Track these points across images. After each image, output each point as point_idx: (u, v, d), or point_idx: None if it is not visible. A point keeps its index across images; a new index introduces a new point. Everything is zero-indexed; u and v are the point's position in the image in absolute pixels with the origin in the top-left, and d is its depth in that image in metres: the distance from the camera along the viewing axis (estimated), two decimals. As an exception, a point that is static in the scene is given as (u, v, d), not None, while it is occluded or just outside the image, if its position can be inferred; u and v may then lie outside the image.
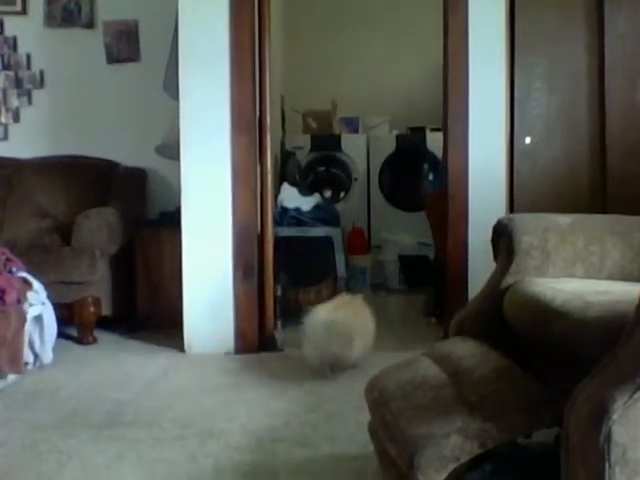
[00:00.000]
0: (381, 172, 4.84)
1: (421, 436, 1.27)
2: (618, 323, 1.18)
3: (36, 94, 3.98)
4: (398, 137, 4.90)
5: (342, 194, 4.90)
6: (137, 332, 3.32)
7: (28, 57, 3.97)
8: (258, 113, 3.03)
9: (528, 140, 3.07)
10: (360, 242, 4.56)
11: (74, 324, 3.16)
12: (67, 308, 3.07)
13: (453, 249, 3.02)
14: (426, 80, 4.86)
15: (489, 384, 1.39)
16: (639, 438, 1.01)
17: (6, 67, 3.97)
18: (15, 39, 3.97)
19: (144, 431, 2.08)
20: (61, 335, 2.90)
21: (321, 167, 4.91)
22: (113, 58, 3.94)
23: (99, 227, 3.23)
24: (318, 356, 2.61)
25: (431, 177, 4.85)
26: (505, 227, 1.78)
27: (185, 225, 3.02)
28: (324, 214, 3.93)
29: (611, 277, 1.72)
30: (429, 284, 3.74)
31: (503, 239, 1.78)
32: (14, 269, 2.64)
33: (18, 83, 3.98)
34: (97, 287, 3.17)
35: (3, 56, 3.97)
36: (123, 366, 2.82)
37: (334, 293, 3.36)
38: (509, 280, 1.71)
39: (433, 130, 4.72)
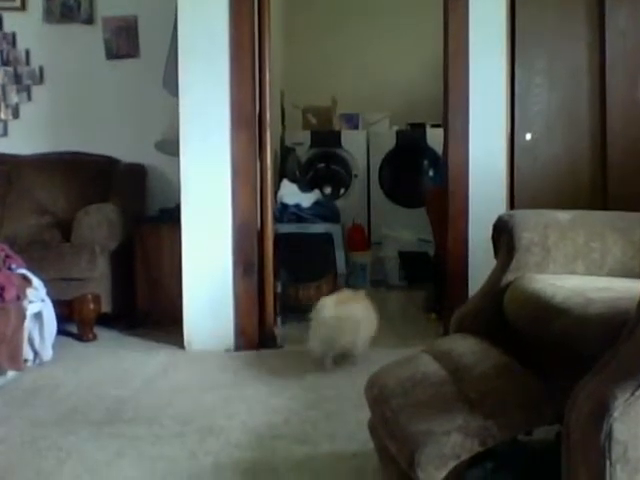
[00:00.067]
0: (381, 168, 4.83)
1: (421, 433, 1.26)
2: (619, 320, 1.17)
3: (35, 90, 3.97)
4: (398, 133, 4.89)
5: (342, 190, 4.89)
6: (137, 329, 3.32)
7: (27, 53, 3.96)
8: (258, 109, 3.02)
9: (528, 136, 3.06)
10: (360, 238, 4.56)
11: (74, 321, 3.16)
12: (67, 305, 3.06)
13: (453, 245, 3.01)
14: (426, 76, 4.85)
15: (489, 381, 1.39)
16: (640, 436, 1.01)
17: (5, 63, 3.96)
18: (14, 35, 3.96)
19: (144, 428, 2.08)
20: (61, 332, 2.89)
21: (321, 163, 4.90)
22: (112, 54, 3.92)
23: (99, 223, 3.22)
24: (324, 347, 2.66)
25: (431, 173, 4.84)
26: (505, 223, 1.77)
27: (185, 222, 3.01)
28: (324, 210, 3.92)
29: (612, 274, 1.72)
30: (429, 280, 3.74)
31: (503, 235, 1.77)
32: (13, 266, 2.64)
33: (17, 79, 3.97)
34: (97, 284, 3.17)
35: (2, 52, 3.96)
36: (123, 363, 2.82)
37: (334, 290, 3.35)
38: (509, 277, 1.71)
39: (433, 126, 4.71)
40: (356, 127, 5.09)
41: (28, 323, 2.55)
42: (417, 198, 4.46)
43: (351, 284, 3.85)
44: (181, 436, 2.02)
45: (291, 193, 3.91)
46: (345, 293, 2.87)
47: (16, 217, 3.57)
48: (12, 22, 3.95)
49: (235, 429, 2.07)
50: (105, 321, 3.30)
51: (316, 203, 3.93)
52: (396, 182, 4.83)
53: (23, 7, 3.94)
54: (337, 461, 1.85)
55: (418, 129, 4.89)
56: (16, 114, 3.98)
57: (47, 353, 2.68)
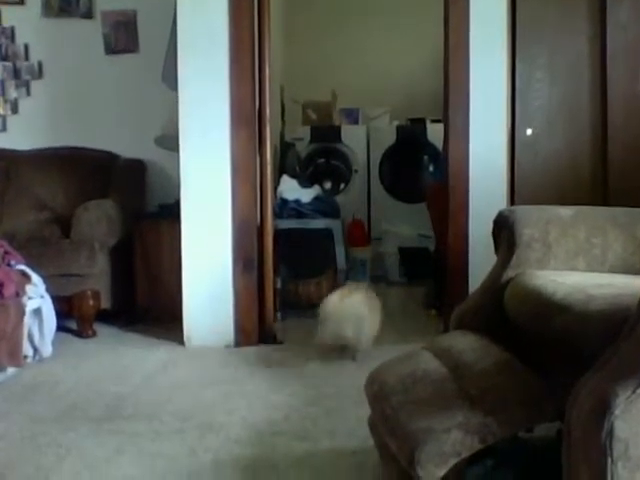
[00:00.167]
0: (381, 163, 4.82)
1: (421, 431, 1.26)
2: (620, 316, 1.17)
3: (34, 85, 3.96)
4: (398, 128, 4.88)
5: (342, 186, 4.88)
6: (136, 325, 3.31)
7: (26, 47, 3.95)
8: (257, 104, 3.01)
9: (529, 131, 3.05)
10: (360, 234, 4.55)
11: (73, 317, 3.16)
12: (66, 301, 3.06)
13: (453, 241, 3.00)
14: (427, 71, 4.84)
15: (490, 378, 1.38)
16: (642, 433, 1.01)
17: (4, 58, 3.95)
18: (13, 29, 3.94)
19: (144, 424, 2.08)
20: (60, 328, 2.89)
21: (321, 159, 4.89)
22: (111, 49, 3.91)
23: (98, 219, 3.21)
24: (332, 340, 2.71)
25: (431, 168, 4.83)
26: (506, 219, 1.77)
27: (184, 217, 3.01)
28: (324, 206, 3.91)
29: (613, 270, 1.71)
30: (429, 276, 3.73)
31: (504, 231, 1.77)
32: (13, 262, 2.63)
33: (16, 74, 3.96)
34: (96, 280, 3.16)
35: (1, 46, 3.95)
36: (122, 359, 2.82)
37: (334, 285, 3.35)
38: (510, 273, 1.70)
39: (434, 121, 4.70)
40: (356, 122, 5.08)
41: (27, 319, 2.55)
42: (417, 193, 4.45)
43: (351, 280, 3.85)
44: (181, 432, 2.02)
45: (291, 188, 3.90)
46: (351, 287, 2.93)
47: (15, 213, 3.57)
48: (11, 16, 3.94)
49: (235, 425, 2.07)
50: (105, 317, 3.30)
51: (316, 198, 3.92)
52: (396, 177, 4.82)
53: (22, 1, 3.92)
54: (337, 458, 1.84)
55: (418, 124, 4.88)
56: (15, 109, 3.97)
57: (47, 349, 2.68)
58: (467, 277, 2.95)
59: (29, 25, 3.93)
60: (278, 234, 3.35)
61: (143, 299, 3.40)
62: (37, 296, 2.62)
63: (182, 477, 1.75)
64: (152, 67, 3.65)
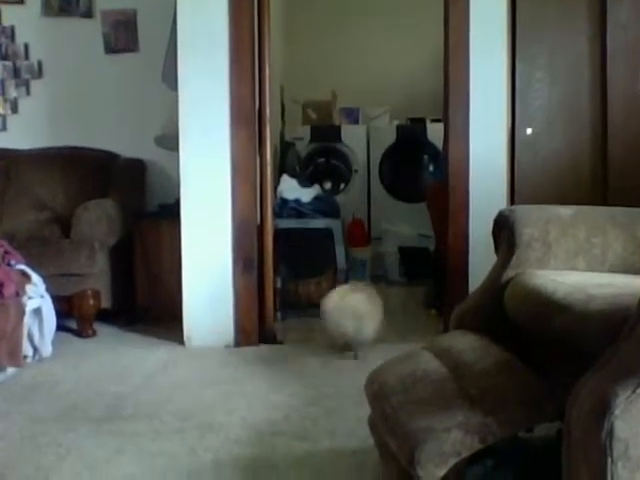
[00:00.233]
0: (381, 163, 4.82)
1: (421, 430, 1.26)
2: (620, 316, 1.16)
3: (34, 84, 3.96)
4: (398, 128, 4.88)
5: (342, 185, 4.88)
6: (136, 325, 3.31)
7: (26, 47, 3.95)
8: (257, 104, 3.01)
9: (529, 131, 3.05)
10: (360, 234, 4.55)
11: (73, 317, 3.16)
12: (66, 301, 3.06)
13: (453, 241, 3.00)
14: (427, 71, 4.84)
15: (490, 378, 1.38)
16: (642, 433, 1.00)
17: (4, 57, 3.95)
18: (13, 29, 3.94)
19: (144, 424, 2.08)
20: (60, 328, 2.89)
21: (321, 158, 4.89)
22: (111, 48, 3.91)
23: (98, 219, 3.21)
24: (333, 337, 2.77)
25: (431, 168, 4.83)
26: (506, 219, 1.77)
27: (184, 217, 3.00)
28: (324, 205, 3.91)
29: (613, 269, 1.71)
30: (429, 276, 3.73)
31: (504, 231, 1.77)
32: (13, 262, 2.63)
33: (16, 73, 3.96)
34: (96, 279, 3.16)
35: (1, 46, 3.95)
36: (123, 359, 2.82)
37: (334, 285, 3.35)
38: (510, 273, 1.70)
39: (434, 121, 4.70)
40: (356, 122, 5.07)
41: (27, 319, 2.55)
42: (417, 193, 4.45)
43: (351, 280, 3.85)
44: (181, 432, 2.02)
45: (291, 188, 3.90)
46: (353, 285, 3.04)
47: (15, 213, 3.57)
48: (11, 16, 3.94)
49: (235, 425, 2.07)
50: (105, 317, 3.30)
51: (316, 198, 3.91)
52: (396, 177, 4.82)
53: (22, 1, 3.92)
54: (337, 457, 1.84)
55: (418, 124, 4.88)
56: (15, 109, 3.97)
57: (46, 349, 2.68)
58: (467, 277, 2.94)
59: (29, 24, 3.92)
60: (278, 234, 3.35)
61: (143, 299, 3.40)
62: (37, 296, 2.62)
63: (182, 477, 1.75)
64: (152, 67, 3.65)
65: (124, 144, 3.83)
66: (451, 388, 1.38)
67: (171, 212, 3.24)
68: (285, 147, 4.77)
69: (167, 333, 3.11)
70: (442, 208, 3.10)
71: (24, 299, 2.53)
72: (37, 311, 2.62)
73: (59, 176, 3.67)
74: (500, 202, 2.89)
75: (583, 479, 1.06)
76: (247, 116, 2.97)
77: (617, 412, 1.00)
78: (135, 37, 3.89)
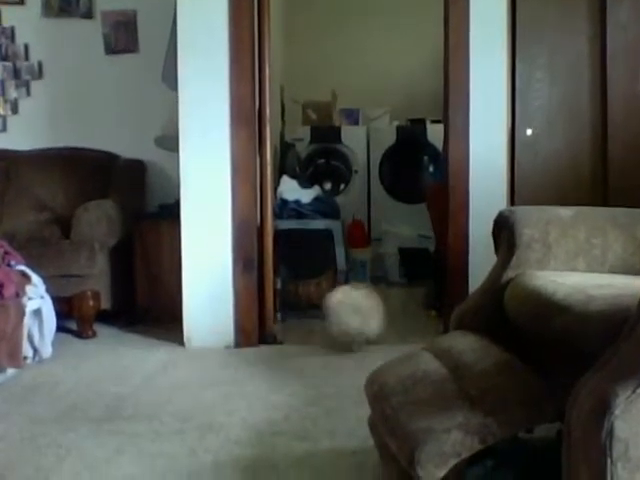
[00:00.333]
0: (381, 164, 4.82)
1: (421, 431, 1.26)
2: (620, 317, 1.16)
3: (34, 85, 3.96)
4: (398, 129, 4.88)
5: (342, 186, 4.88)
6: (136, 326, 3.31)
7: (26, 47, 3.95)
8: (257, 104, 3.01)
9: (529, 131, 3.05)
10: (360, 235, 4.55)
11: (73, 318, 3.15)
12: (66, 302, 3.06)
13: (453, 241, 3.00)
14: (427, 71, 4.84)
15: (490, 378, 1.38)
16: (642, 434, 1.00)
17: (4, 58, 3.95)
18: (13, 29, 3.94)
19: (144, 425, 2.08)
20: (60, 329, 2.89)
21: (321, 159, 4.89)
22: (111, 49, 3.91)
23: (98, 220, 3.21)
24: (338, 333, 2.84)
25: (431, 169, 4.82)
26: (506, 219, 1.77)
27: (184, 218, 3.00)
28: (324, 206, 3.91)
29: (613, 270, 1.71)
30: (429, 277, 3.73)
31: (504, 232, 1.77)
32: (13, 262, 2.63)
33: (16, 74, 3.96)
34: (96, 280, 3.16)
35: (1, 46, 3.95)
36: (122, 360, 2.82)
37: (334, 286, 3.36)
38: (510, 273, 1.70)
39: (434, 122, 4.70)
40: (356, 122, 5.07)
41: (27, 320, 2.55)
42: (417, 194, 4.45)
43: (351, 281, 3.85)
44: (181, 433, 2.02)
45: (291, 189, 3.90)
46: (355, 285, 3.11)
47: (15, 213, 3.57)
48: (11, 16, 3.94)
49: (235, 426, 2.07)
50: (105, 318, 3.30)
51: (316, 199, 3.91)
52: (396, 178, 4.82)
53: (22, 1, 3.92)
54: (337, 458, 1.84)
55: (418, 125, 4.88)
56: (15, 109, 3.97)
57: (46, 350, 2.67)
58: (467, 277, 2.94)
59: (29, 25, 3.93)
60: (278, 234, 3.35)
61: (143, 299, 3.40)
62: (37, 297, 2.62)
63: (182, 478, 1.75)
64: (152, 67, 3.65)
65: (124, 145, 3.83)
66: (451, 389, 1.38)
67: (171, 213, 3.24)
68: (285, 148, 4.77)
69: (167, 334, 3.11)
70: (442, 209, 3.09)
71: (24, 300, 2.53)
72: (37, 312, 2.62)
73: (59, 177, 3.67)
74: (500, 202, 2.89)
75: (583, 479, 1.06)
76: (247, 116, 2.97)
77: (617, 412, 1.00)
78: (135, 38, 3.89)
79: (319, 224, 3.77)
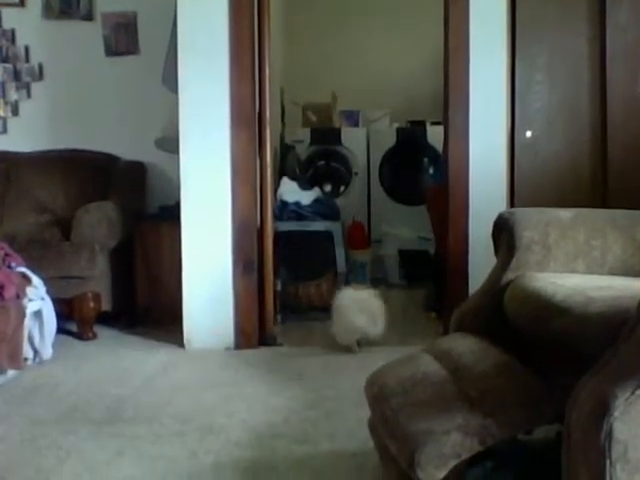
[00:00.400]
0: (381, 166, 4.82)
1: (421, 432, 1.26)
2: (620, 319, 1.17)
3: (35, 87, 3.96)
4: (398, 130, 4.88)
5: (342, 188, 4.88)
6: (137, 327, 3.31)
7: (26, 49, 3.95)
8: (258, 106, 3.01)
9: (529, 133, 3.05)
10: (360, 236, 4.55)
11: (74, 319, 3.16)
12: (67, 303, 3.06)
13: (453, 243, 3.00)
14: (427, 73, 4.84)
15: (489, 380, 1.38)
16: (641, 435, 1.01)
17: (4, 60, 3.95)
18: (13, 31, 3.95)
19: (144, 427, 2.08)
20: (61, 330, 2.89)
21: (321, 161, 4.89)
22: (112, 51, 3.92)
23: (99, 221, 3.22)
24: (347, 332, 2.88)
25: (431, 171, 4.83)
26: (506, 221, 1.77)
27: (185, 219, 3.01)
28: (324, 208, 3.91)
29: (612, 272, 1.71)
30: (429, 279, 3.73)
31: (504, 233, 1.77)
32: (13, 264, 2.63)
33: (17, 76, 3.96)
34: (97, 282, 3.16)
35: (1, 48, 3.95)
36: (123, 362, 2.82)
37: (334, 288, 3.36)
38: (510, 275, 1.70)
39: (434, 124, 4.70)
40: (356, 124, 5.07)
41: (28, 322, 2.55)
42: (417, 196, 4.45)
43: (351, 282, 3.85)
44: (181, 435, 2.02)
45: (291, 191, 3.90)
46: (358, 287, 3.14)
47: (15, 215, 3.57)
48: (11, 18, 3.94)
49: (235, 428, 2.07)
50: (105, 319, 3.30)
51: (316, 201, 3.92)
52: (396, 180, 4.82)
53: (22, 3, 3.93)
54: (337, 460, 1.84)
55: (418, 126, 4.88)
56: (15, 111, 3.98)
57: (47, 352, 2.68)
58: (467, 279, 2.94)
59: (29, 27, 3.93)
60: (278, 236, 3.35)
61: (143, 301, 3.40)
62: (37, 298, 2.62)
63: (182, 479, 1.75)
64: (152, 69, 3.65)
65: (124, 146, 3.83)
66: (451, 390, 1.38)
67: (171, 214, 3.24)
68: (285, 150, 4.77)
69: (167, 335, 3.11)
70: (442, 211, 3.10)
71: (24, 301, 2.53)
72: (37, 314, 2.62)
73: (59, 179, 3.67)
74: (500, 204, 2.89)
75: (582, 481, 1.06)
76: (247, 118, 2.98)
77: (616, 414, 1.00)
78: (135, 40, 3.90)
79: (319, 226, 3.77)
